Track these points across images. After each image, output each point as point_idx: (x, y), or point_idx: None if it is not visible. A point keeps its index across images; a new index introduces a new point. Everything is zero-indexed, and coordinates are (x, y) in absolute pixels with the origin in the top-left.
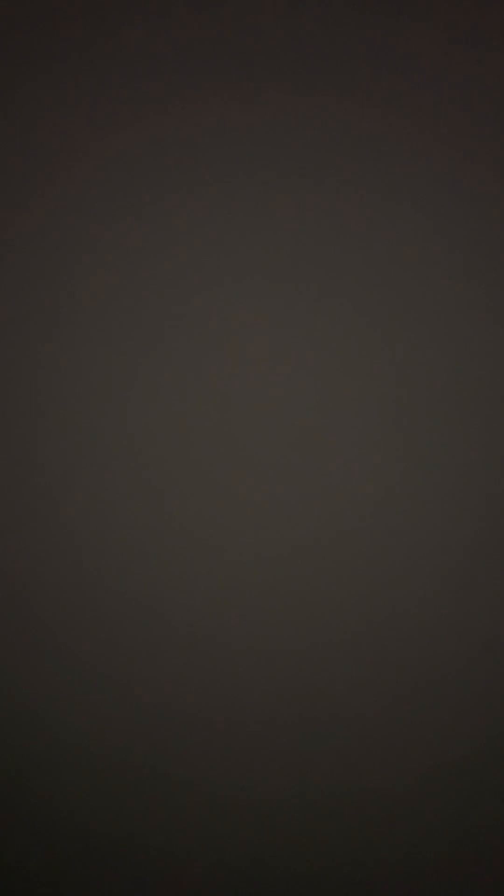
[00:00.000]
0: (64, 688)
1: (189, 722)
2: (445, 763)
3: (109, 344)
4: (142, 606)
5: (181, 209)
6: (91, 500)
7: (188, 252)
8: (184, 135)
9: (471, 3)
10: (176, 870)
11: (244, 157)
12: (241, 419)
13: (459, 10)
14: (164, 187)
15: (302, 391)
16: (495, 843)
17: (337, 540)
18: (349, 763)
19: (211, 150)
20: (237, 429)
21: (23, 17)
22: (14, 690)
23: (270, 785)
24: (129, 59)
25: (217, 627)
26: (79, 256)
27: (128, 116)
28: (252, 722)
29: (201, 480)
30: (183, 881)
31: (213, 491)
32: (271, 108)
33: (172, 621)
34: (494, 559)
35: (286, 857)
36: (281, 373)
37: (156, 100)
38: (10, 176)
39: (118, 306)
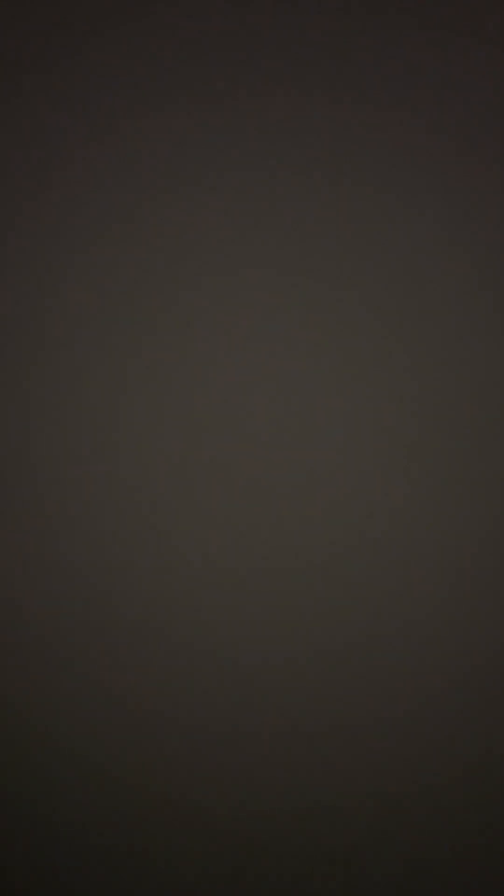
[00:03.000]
0: (63, 700)
1: (189, 732)
2: (446, 772)
3: (108, 344)
4: (141, 617)
5: (181, 209)
6: (88, 509)
7: (188, 255)
8: (184, 132)
9: (471, 3)
10: (175, 879)
11: (245, 157)
12: (242, 421)
13: (460, 10)
14: (163, 186)
15: (303, 395)
16: (495, 852)
17: (338, 548)
18: (350, 773)
19: (211, 148)
20: (238, 431)
21: (22, 17)
22: (13, 702)
23: (270, 795)
24: (129, 57)
25: (216, 638)
26: (76, 259)
27: (127, 114)
28: (252, 732)
29: (201, 486)
30: (182, 890)
31: (212, 498)
32: (272, 109)
33: (172, 632)
34: (496, 568)
35: (286, 866)
36: (282, 375)
37: (156, 97)
38: (9, 174)
39: (117, 306)
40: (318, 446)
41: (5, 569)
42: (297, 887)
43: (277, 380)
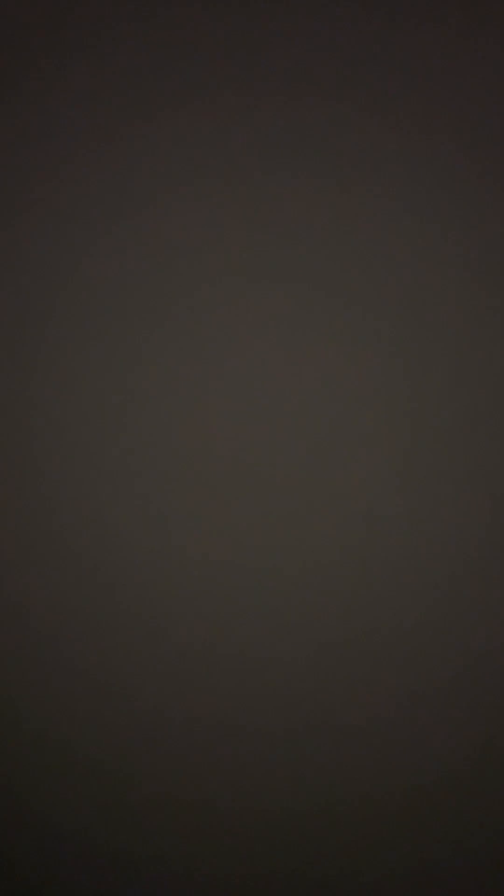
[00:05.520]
0: (63, 698)
1: (188, 731)
2: (443, 772)
3: (108, 348)
4: (141, 616)
5: (182, 211)
6: (89, 509)
7: (188, 258)
8: (184, 135)
9: (471, 3)
10: (173, 878)
11: (245, 159)
12: (242, 424)
13: (460, 9)
14: (163, 189)
15: (303, 396)
16: (493, 852)
17: (337, 549)
18: (348, 772)
19: (211, 152)
20: (238, 436)
21: (22, 18)
22: (13, 700)
23: (269, 794)
24: (129, 60)
25: (216, 637)
26: (77, 264)
27: (128, 117)
28: (251, 732)
29: (201, 488)
30: (180, 890)
31: (212, 500)
32: (272, 110)
33: (171, 631)
34: (495, 571)
35: (284, 867)
36: (282, 378)
37: (156, 100)
38: (11, 177)
39: (118, 310)
40: (319, 442)
41: (7, 562)
42: (298, 886)
43: (277, 382)
